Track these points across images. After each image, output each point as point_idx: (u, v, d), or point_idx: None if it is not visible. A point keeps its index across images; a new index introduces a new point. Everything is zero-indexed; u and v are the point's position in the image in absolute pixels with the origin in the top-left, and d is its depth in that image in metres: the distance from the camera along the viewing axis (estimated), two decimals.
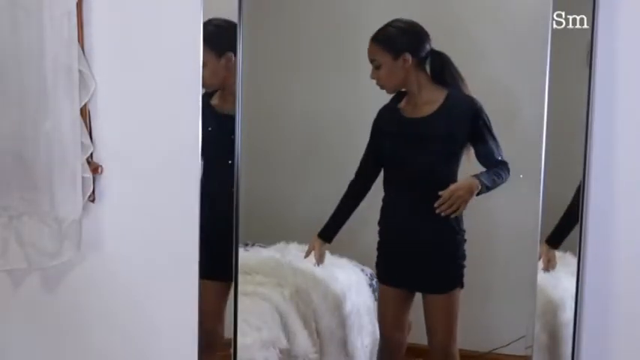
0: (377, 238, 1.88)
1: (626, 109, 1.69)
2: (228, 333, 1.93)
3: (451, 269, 1.83)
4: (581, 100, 1.67)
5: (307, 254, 1.92)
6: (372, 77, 1.81)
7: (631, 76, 1.67)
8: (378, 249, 1.88)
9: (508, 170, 1.76)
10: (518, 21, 1.76)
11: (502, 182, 1.77)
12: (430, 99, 1.80)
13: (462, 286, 1.82)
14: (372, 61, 1.81)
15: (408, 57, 1.78)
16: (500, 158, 1.76)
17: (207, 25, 1.87)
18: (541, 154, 1.70)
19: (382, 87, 1.82)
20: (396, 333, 1.92)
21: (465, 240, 1.80)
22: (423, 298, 1.86)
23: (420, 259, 1.86)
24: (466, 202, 1.78)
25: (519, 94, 1.75)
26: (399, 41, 1.79)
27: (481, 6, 1.79)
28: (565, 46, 1.67)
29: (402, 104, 1.83)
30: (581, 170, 1.69)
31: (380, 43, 1.80)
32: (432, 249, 1.85)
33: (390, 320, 1.92)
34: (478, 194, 1.77)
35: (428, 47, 1.77)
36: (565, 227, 1.72)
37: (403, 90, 1.82)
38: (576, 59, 1.68)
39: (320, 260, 1.92)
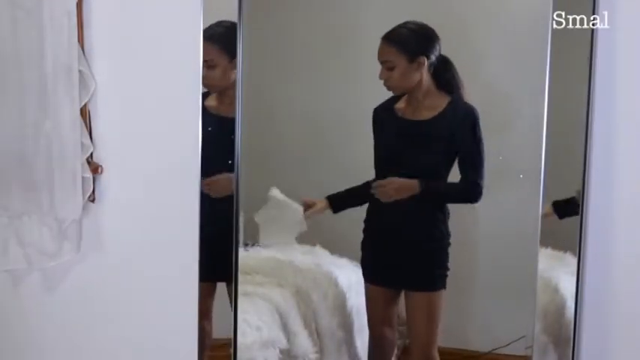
0: (361, 236, 1.88)
1: (626, 109, 1.69)
2: (228, 333, 1.93)
3: (435, 269, 1.84)
4: (581, 100, 1.67)
5: (306, 208, 1.91)
6: (382, 77, 1.80)
7: (631, 76, 1.68)
8: (363, 248, 1.89)
9: (477, 195, 1.77)
10: (518, 21, 1.76)
11: (463, 201, 1.80)
12: (432, 104, 1.80)
13: (444, 287, 1.82)
14: (384, 62, 1.79)
15: (423, 60, 1.77)
16: (477, 180, 1.76)
17: (218, 25, 1.86)
18: (541, 154, 1.70)
19: (390, 88, 1.81)
20: (386, 330, 1.92)
21: (450, 243, 1.81)
22: (406, 297, 1.87)
23: (405, 258, 1.86)
24: (396, 196, 1.80)
25: (519, 95, 1.75)
26: (416, 44, 1.78)
27: (481, 6, 1.79)
28: (565, 46, 1.67)
29: (399, 105, 1.83)
30: (581, 170, 1.69)
31: (395, 44, 1.78)
32: (417, 249, 1.85)
33: (378, 318, 1.92)
34: (421, 198, 1.78)
35: (438, 51, 1.77)
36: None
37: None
38: (576, 59, 1.68)
39: (310, 216, 1.91)
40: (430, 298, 1.84)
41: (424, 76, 1.78)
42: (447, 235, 1.81)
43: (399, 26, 1.78)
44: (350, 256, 1.93)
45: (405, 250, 1.86)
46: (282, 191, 1.95)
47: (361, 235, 1.90)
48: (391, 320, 1.91)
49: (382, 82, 1.80)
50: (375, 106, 1.85)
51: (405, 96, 1.82)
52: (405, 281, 1.87)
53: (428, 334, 1.85)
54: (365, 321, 1.93)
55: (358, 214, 1.90)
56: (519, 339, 1.80)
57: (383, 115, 1.84)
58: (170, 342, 2.08)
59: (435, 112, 1.80)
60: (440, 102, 1.79)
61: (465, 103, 1.77)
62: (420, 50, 1.77)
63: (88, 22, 1.98)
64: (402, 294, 1.88)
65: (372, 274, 1.90)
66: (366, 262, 1.90)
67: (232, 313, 1.90)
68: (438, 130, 1.80)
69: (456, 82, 1.77)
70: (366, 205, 1.87)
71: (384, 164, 1.85)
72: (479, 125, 1.76)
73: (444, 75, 1.78)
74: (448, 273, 1.82)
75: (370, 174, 1.87)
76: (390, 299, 1.90)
